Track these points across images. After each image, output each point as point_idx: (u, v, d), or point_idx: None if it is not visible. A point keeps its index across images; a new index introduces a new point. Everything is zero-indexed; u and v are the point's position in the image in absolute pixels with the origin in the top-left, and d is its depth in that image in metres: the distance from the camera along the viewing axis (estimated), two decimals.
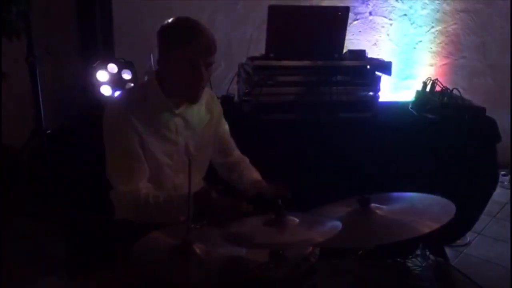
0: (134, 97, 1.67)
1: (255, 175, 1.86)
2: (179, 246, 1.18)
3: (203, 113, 1.82)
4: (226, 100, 2.60)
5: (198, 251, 1.17)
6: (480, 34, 3.69)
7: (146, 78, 2.50)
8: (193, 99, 1.66)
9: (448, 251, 2.74)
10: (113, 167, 1.62)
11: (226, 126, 1.94)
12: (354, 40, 3.54)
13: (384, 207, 1.34)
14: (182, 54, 1.55)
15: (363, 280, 2.30)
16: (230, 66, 2.95)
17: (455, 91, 2.63)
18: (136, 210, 1.58)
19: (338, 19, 2.32)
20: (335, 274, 1.86)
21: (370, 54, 3.59)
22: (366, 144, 2.42)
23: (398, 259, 2.65)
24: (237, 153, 1.95)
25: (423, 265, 2.67)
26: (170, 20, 1.61)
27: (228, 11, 3.29)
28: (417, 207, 1.38)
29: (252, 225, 1.23)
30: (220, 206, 1.42)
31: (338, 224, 1.19)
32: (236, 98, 2.66)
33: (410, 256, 2.66)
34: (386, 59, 3.66)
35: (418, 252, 2.69)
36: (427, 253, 2.69)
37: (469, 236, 2.85)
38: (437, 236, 2.69)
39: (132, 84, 2.44)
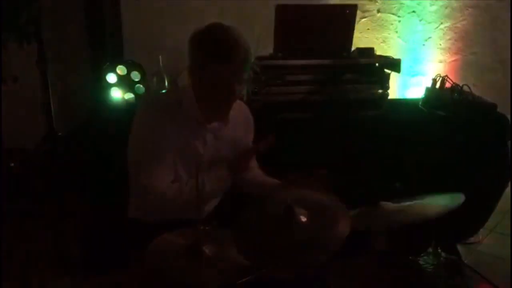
0: (170, 101, 1.62)
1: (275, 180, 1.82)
2: (190, 248, 1.19)
3: (240, 132, 1.77)
4: None
5: (208, 252, 1.18)
6: (491, 29, 3.64)
7: (154, 79, 2.53)
8: (222, 116, 1.61)
9: (460, 248, 2.72)
10: (141, 163, 1.56)
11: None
12: (362, 37, 3.52)
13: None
14: (217, 71, 1.47)
15: (375, 279, 2.30)
16: None
17: (465, 88, 2.61)
18: (168, 203, 1.55)
19: (346, 17, 2.32)
20: (347, 274, 1.86)
21: (379, 51, 3.57)
22: (377, 142, 2.42)
23: (410, 258, 2.64)
24: (254, 163, 1.90)
25: (435, 263, 2.65)
26: (205, 29, 1.51)
27: (236, 10, 3.28)
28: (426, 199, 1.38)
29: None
30: None
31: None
32: (245, 98, 2.66)
33: (422, 255, 2.65)
34: (395, 56, 3.64)
35: (430, 250, 2.68)
36: (439, 251, 2.67)
37: (481, 234, 2.82)
38: (449, 234, 2.70)
39: (143, 87, 2.46)
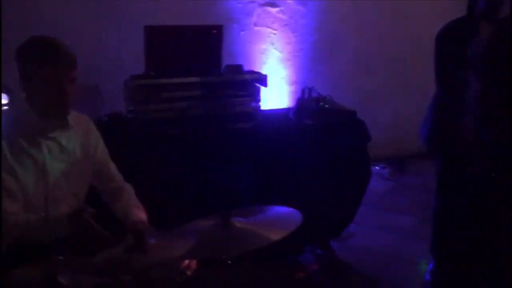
0: (5, 122, 1.65)
1: (141, 214, 1.85)
2: (45, 279, 1.21)
3: (80, 138, 1.83)
4: (113, 117, 2.63)
5: (64, 282, 1.21)
6: (355, 40, 4.01)
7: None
8: (61, 116, 1.68)
9: (334, 244, 2.96)
10: None
11: (105, 150, 1.96)
12: (242, 49, 3.70)
13: (243, 219, 1.46)
14: (43, 74, 1.57)
15: (249, 281, 2.44)
16: (120, 82, 2.96)
17: (329, 97, 2.87)
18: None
19: (213, 37, 2.44)
20: (220, 281, 1.95)
21: (259, 62, 3.79)
22: (250, 153, 2.57)
23: (290, 257, 2.84)
24: (118, 178, 1.95)
25: (313, 259, 2.88)
26: (25, 41, 1.63)
27: (118, 28, 3.28)
28: (270, 218, 1.52)
29: (115, 253, 1.29)
30: (92, 232, 1.47)
31: (192, 238, 1.30)
32: (123, 115, 2.69)
33: (301, 253, 2.86)
34: (274, 66, 3.88)
35: (308, 248, 2.90)
36: (315, 248, 2.91)
37: (352, 227, 3.09)
38: (322, 231, 2.93)
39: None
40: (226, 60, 3.29)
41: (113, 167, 1.96)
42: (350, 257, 2.89)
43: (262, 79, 2.65)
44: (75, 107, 1.89)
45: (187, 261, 1.57)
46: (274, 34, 3.81)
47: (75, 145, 1.79)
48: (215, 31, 2.43)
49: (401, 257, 2.89)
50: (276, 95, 3.74)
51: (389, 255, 2.93)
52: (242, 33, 3.70)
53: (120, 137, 2.48)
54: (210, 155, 2.53)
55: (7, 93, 2.43)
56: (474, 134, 1.29)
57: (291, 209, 1.54)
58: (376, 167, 3.97)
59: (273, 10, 3.75)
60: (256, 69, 3.47)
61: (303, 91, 2.98)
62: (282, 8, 3.77)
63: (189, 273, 1.60)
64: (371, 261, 2.89)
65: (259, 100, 2.72)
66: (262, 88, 2.72)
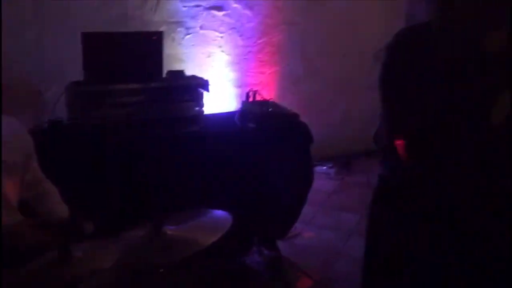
0: None
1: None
2: None
3: (11, 145, 1.79)
4: (54, 123, 2.60)
5: None
6: (301, 43, 4.09)
7: None
8: None
9: (281, 244, 3.03)
10: None
11: (35, 157, 1.91)
12: (189, 53, 3.70)
13: (175, 226, 1.49)
14: None
15: (203, 282, 2.46)
16: (62, 88, 2.91)
17: (272, 100, 2.93)
18: None
19: (153, 43, 2.45)
20: (174, 277, 1.96)
21: (206, 65, 3.80)
22: (194, 158, 2.59)
23: (236, 258, 2.88)
24: (45, 183, 1.93)
25: (260, 260, 2.93)
26: None
27: (57, 30, 3.22)
28: (203, 222, 1.56)
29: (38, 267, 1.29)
30: None
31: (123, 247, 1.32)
32: (64, 121, 2.65)
33: (247, 254, 2.91)
34: (221, 69, 3.91)
35: (254, 249, 2.95)
36: (262, 249, 2.96)
37: (299, 227, 3.17)
38: (268, 231, 2.98)
39: None
40: (172, 64, 3.30)
41: (40, 171, 1.92)
42: (294, 257, 2.96)
43: (204, 84, 2.67)
44: (16, 112, 1.85)
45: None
46: (221, 37, 3.83)
47: (5, 152, 1.76)
48: (155, 37, 2.43)
49: (345, 255, 2.99)
50: (224, 98, 3.78)
51: (334, 253, 3.01)
52: (188, 36, 3.71)
53: (61, 144, 2.45)
54: (154, 161, 2.54)
55: None
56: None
57: (223, 211, 1.57)
58: (323, 167, 4.08)
59: (219, 13, 3.77)
60: (204, 73, 3.48)
61: (247, 95, 3.03)
62: (228, 11, 3.80)
63: (127, 280, 1.61)
64: (317, 260, 2.97)
65: (202, 105, 2.74)
66: (211, 91, 2.75)
